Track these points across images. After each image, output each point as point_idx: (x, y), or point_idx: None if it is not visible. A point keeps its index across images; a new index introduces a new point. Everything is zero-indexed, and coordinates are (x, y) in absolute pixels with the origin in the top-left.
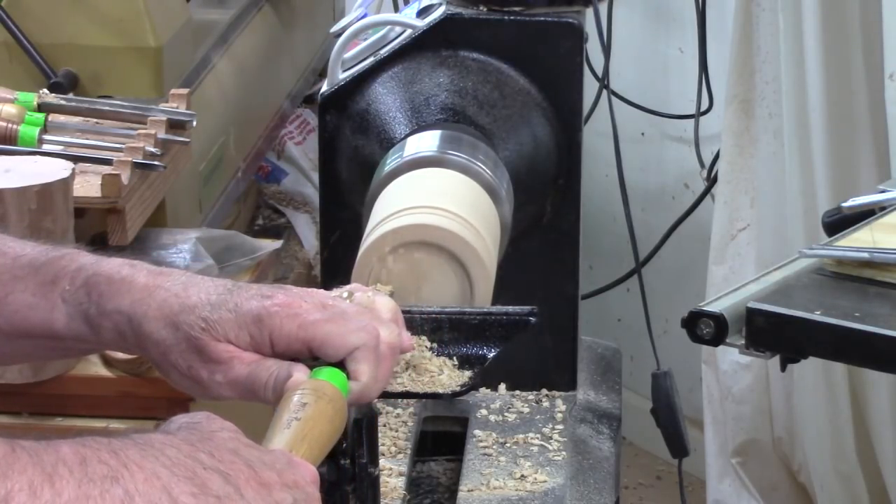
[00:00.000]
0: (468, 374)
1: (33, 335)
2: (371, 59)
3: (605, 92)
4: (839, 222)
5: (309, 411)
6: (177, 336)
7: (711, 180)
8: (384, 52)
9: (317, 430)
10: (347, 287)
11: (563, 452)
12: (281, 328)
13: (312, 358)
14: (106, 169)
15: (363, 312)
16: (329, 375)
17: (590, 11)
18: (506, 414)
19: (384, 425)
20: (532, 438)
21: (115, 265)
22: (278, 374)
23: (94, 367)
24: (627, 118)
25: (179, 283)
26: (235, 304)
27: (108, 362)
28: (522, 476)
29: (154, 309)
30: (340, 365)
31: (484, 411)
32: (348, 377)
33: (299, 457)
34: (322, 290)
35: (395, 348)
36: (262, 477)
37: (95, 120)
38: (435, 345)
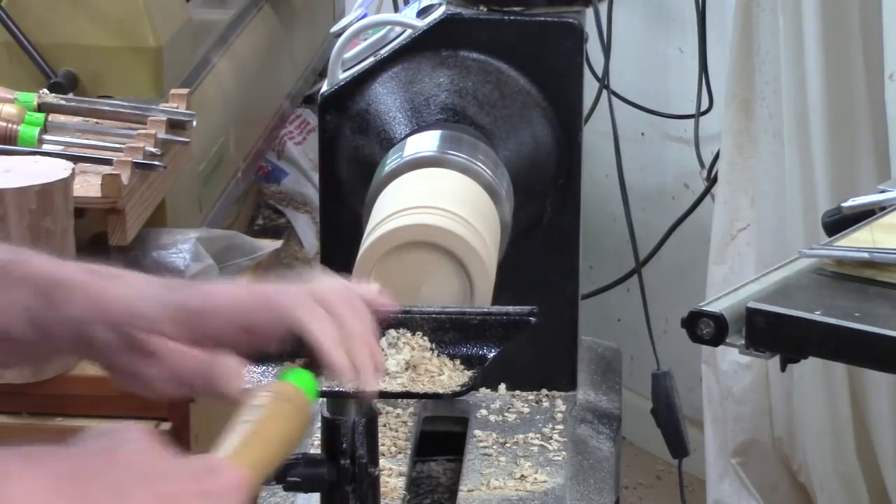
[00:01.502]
0: (468, 374)
1: None
2: (371, 59)
3: (605, 92)
4: (839, 222)
5: (263, 413)
6: (118, 337)
7: (711, 180)
8: (384, 52)
9: (271, 430)
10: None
11: (563, 452)
12: (219, 316)
13: (285, 359)
14: (106, 169)
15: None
16: (295, 377)
17: (590, 11)
18: (506, 414)
19: (384, 425)
20: (532, 438)
21: (69, 271)
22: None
23: (94, 367)
24: (627, 118)
25: (124, 284)
26: (174, 299)
27: None
28: (522, 476)
29: (99, 313)
30: (311, 365)
31: (484, 411)
32: (313, 367)
33: (243, 461)
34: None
35: (347, 296)
36: (164, 488)
37: (95, 120)
38: (435, 345)
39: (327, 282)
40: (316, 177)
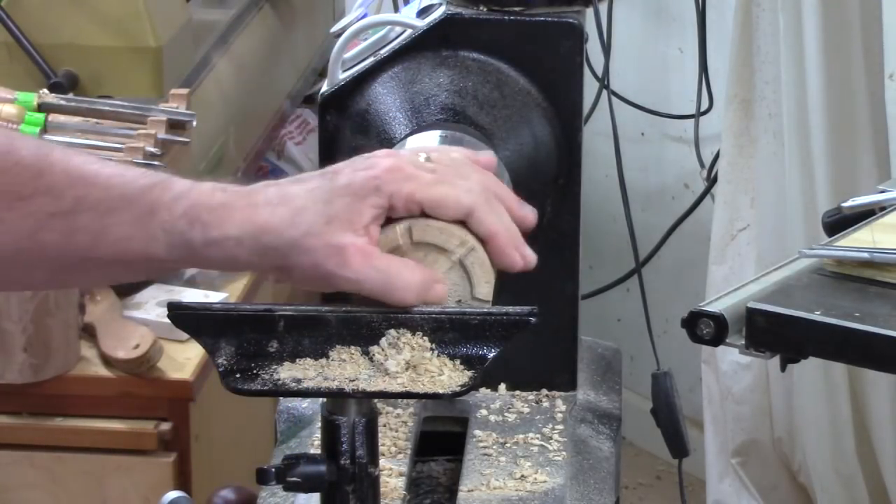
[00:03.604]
0: (468, 374)
1: (131, 263)
2: (371, 59)
3: (605, 92)
4: (839, 222)
5: None
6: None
7: (711, 180)
8: (384, 52)
9: None
10: (420, 148)
11: (563, 452)
12: (400, 192)
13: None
14: None
15: (465, 165)
16: None
17: (590, 11)
18: (506, 414)
19: (384, 425)
20: (532, 438)
21: (206, 192)
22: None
23: (94, 367)
24: (627, 118)
25: (274, 196)
26: (345, 185)
27: (108, 362)
28: (522, 476)
29: (259, 230)
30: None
31: (484, 411)
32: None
33: None
34: (403, 153)
35: (505, 196)
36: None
37: (95, 120)
38: (435, 345)
39: (489, 179)
40: None
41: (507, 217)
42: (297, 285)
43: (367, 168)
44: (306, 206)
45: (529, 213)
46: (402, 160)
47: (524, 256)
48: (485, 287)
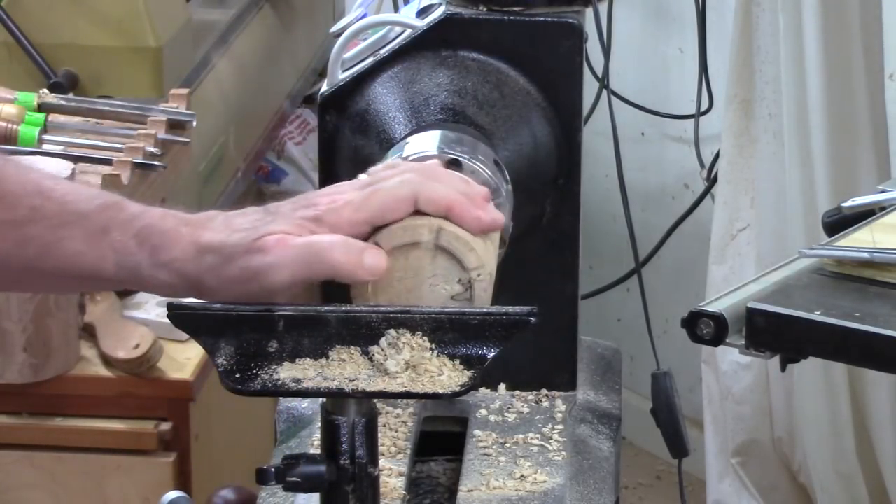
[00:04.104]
0: (468, 374)
1: (78, 277)
2: (371, 59)
3: (605, 92)
4: (839, 222)
5: None
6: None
7: (711, 180)
8: (384, 52)
9: None
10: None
11: (563, 452)
12: (340, 221)
13: None
14: (106, 169)
15: (401, 165)
16: None
17: (590, 11)
18: (506, 414)
19: (384, 425)
20: (532, 438)
21: (158, 216)
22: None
23: (94, 367)
24: (627, 118)
25: (220, 224)
26: (285, 215)
27: (108, 362)
28: (522, 476)
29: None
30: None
31: (484, 411)
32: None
33: None
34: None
35: (445, 174)
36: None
37: (95, 120)
38: (435, 345)
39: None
40: (316, 177)
41: (455, 184)
42: (238, 299)
43: (307, 206)
44: (244, 226)
45: (476, 187)
46: (340, 188)
47: (488, 213)
48: (470, 256)
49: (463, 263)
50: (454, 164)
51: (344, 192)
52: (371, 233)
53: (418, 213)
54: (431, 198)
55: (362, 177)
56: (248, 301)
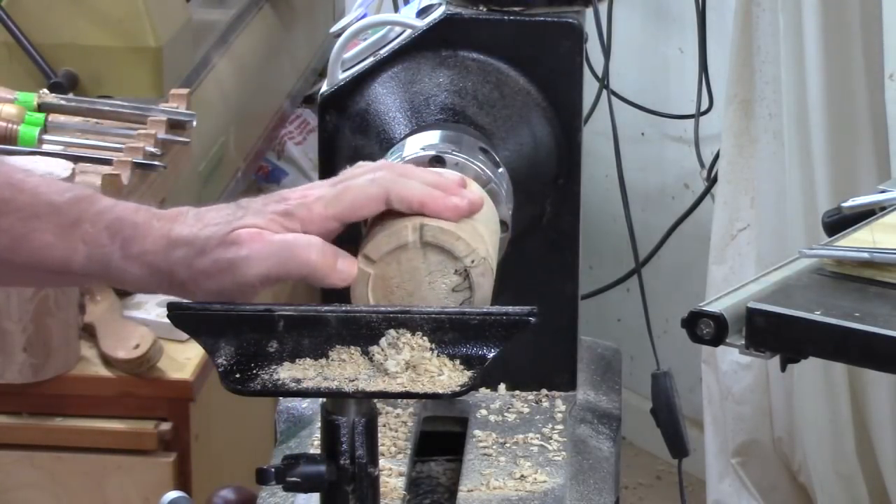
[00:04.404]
0: (468, 374)
1: (48, 271)
2: (371, 59)
3: (605, 92)
4: (839, 222)
5: None
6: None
7: (711, 180)
8: (384, 52)
9: None
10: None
11: (563, 452)
12: (311, 216)
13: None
14: (106, 169)
15: (370, 165)
16: None
17: (590, 11)
18: (506, 414)
19: (384, 425)
20: (532, 438)
21: (131, 209)
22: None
23: (94, 367)
24: (627, 118)
25: (191, 218)
26: (257, 210)
27: (108, 362)
28: (522, 476)
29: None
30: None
31: (484, 411)
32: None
33: None
34: (316, 181)
35: (414, 170)
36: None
37: (95, 120)
38: (435, 345)
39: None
40: (316, 177)
41: (426, 179)
42: (209, 298)
43: (279, 201)
44: (216, 221)
45: (449, 175)
46: (312, 186)
47: (463, 198)
48: (458, 245)
49: (454, 254)
50: (437, 161)
51: (315, 189)
52: (347, 232)
53: (399, 215)
54: (402, 196)
55: (334, 179)
56: (219, 298)
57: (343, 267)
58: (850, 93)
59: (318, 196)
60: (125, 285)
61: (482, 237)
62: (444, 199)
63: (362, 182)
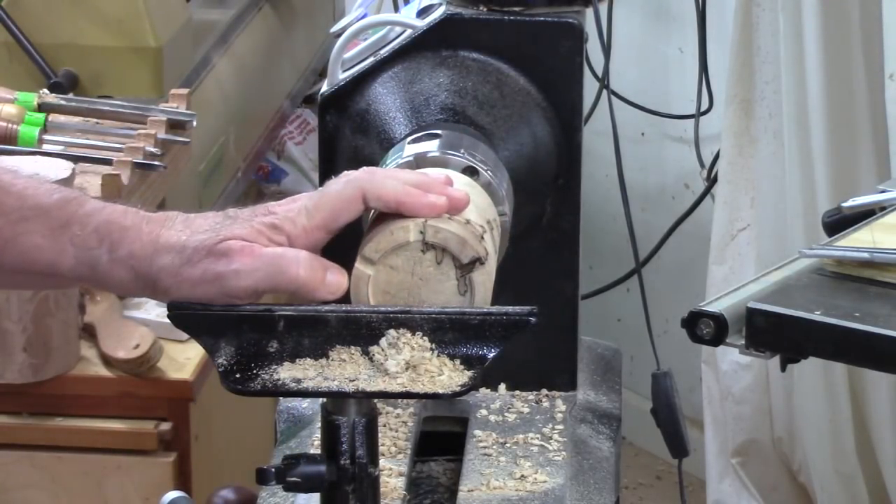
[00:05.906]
0: (468, 374)
1: (36, 273)
2: (371, 59)
3: (605, 92)
4: (839, 222)
5: None
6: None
7: (711, 180)
8: (384, 52)
9: None
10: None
11: (563, 452)
12: (295, 228)
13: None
14: (106, 169)
15: (352, 172)
16: None
17: (590, 11)
18: (506, 414)
19: (384, 425)
20: (532, 438)
21: (119, 212)
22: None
23: (94, 367)
24: (627, 118)
25: (180, 223)
26: (244, 219)
27: (108, 362)
28: (522, 476)
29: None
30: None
31: (484, 411)
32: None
33: None
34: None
35: (391, 171)
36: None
37: (95, 120)
38: (435, 345)
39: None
40: (316, 177)
41: (401, 176)
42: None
43: (266, 214)
44: (204, 228)
45: (433, 174)
46: (297, 198)
47: (440, 197)
48: (459, 245)
49: (454, 254)
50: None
51: (297, 201)
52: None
53: (401, 216)
54: (379, 194)
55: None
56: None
57: (332, 280)
58: (850, 93)
59: (300, 208)
60: (111, 288)
61: (482, 238)
62: (422, 197)
63: (338, 187)
